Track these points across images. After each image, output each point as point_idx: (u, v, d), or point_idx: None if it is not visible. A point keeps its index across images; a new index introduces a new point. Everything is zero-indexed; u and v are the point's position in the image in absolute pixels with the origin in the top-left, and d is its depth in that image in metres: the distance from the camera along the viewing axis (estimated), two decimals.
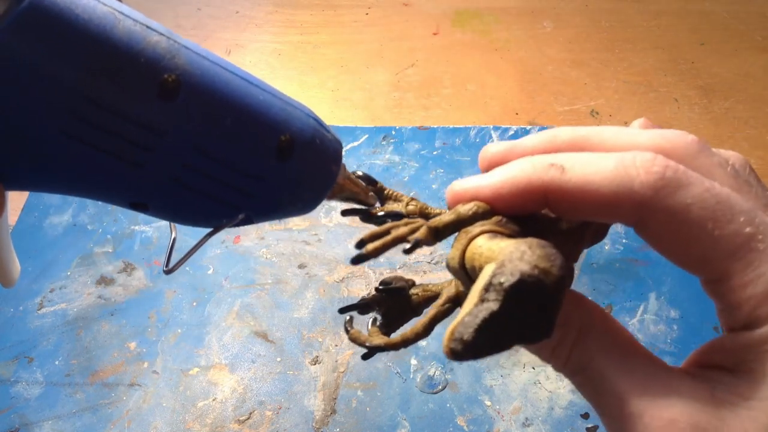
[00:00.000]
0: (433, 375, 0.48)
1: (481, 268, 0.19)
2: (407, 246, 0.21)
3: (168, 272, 0.25)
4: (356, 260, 0.21)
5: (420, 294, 0.25)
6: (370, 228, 0.23)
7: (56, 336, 0.51)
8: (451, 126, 0.67)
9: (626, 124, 0.68)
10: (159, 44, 0.21)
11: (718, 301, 0.19)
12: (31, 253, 0.56)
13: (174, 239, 0.26)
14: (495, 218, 0.21)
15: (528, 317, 0.17)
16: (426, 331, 0.23)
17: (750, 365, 0.18)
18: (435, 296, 0.24)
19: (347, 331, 0.24)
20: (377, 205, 0.28)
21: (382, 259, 0.55)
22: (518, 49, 0.78)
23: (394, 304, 0.25)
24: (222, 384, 0.48)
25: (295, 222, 0.59)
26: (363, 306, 0.25)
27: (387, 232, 0.22)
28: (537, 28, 0.81)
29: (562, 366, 0.21)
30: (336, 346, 0.50)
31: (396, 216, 0.26)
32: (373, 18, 0.84)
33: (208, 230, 0.25)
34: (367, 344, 0.23)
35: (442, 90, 0.73)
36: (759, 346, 0.18)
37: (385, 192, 0.28)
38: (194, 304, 0.53)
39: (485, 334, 0.17)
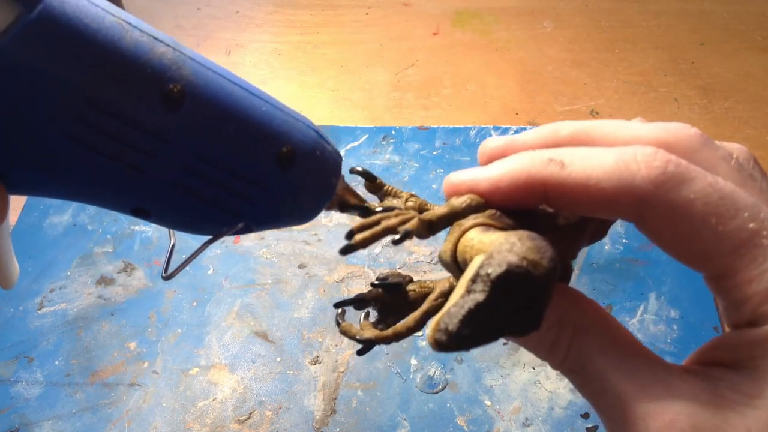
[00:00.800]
0: (433, 375, 0.48)
1: (472, 261, 0.19)
2: (396, 237, 0.21)
3: (167, 278, 0.25)
4: (345, 250, 0.21)
5: (417, 290, 0.24)
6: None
7: (56, 336, 0.51)
8: (451, 126, 0.67)
9: None
10: (165, 55, 0.21)
11: (722, 297, 0.19)
12: (31, 253, 0.56)
13: (173, 245, 0.26)
14: (489, 211, 0.21)
15: (515, 309, 0.17)
16: (418, 325, 0.22)
17: (754, 363, 0.18)
18: (432, 292, 0.24)
19: (338, 324, 0.24)
20: (389, 200, 0.28)
21: (382, 259, 0.55)
22: (518, 49, 0.78)
23: (390, 300, 0.24)
24: (222, 384, 0.48)
25: None
26: (359, 301, 0.24)
27: (377, 222, 0.22)
28: (537, 28, 0.81)
29: (560, 365, 0.21)
30: (336, 346, 0.50)
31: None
32: (373, 18, 0.84)
33: (208, 237, 0.26)
34: (358, 337, 0.23)
35: (442, 90, 0.73)
36: (763, 343, 0.17)
37: (385, 188, 0.28)
38: (194, 304, 0.53)
39: (471, 325, 0.17)
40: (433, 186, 0.61)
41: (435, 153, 0.64)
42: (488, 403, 0.46)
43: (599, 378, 0.19)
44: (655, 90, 0.72)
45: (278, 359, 0.49)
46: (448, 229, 0.22)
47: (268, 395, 0.47)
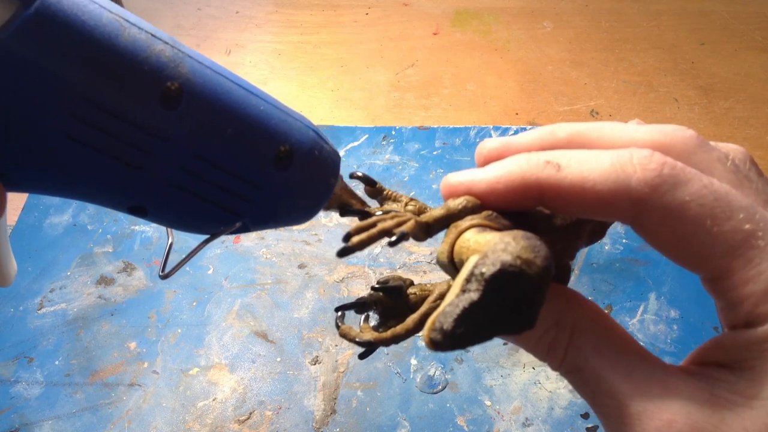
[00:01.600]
0: (433, 375, 0.48)
1: (468, 260, 0.19)
2: (393, 238, 0.21)
3: (164, 277, 0.25)
4: (342, 253, 0.21)
5: (417, 293, 0.25)
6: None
7: (56, 336, 0.51)
8: (451, 126, 0.67)
9: None
10: (163, 53, 0.21)
11: (719, 298, 0.19)
12: (31, 253, 0.56)
13: (171, 244, 0.26)
14: (485, 213, 0.21)
15: (510, 308, 0.17)
16: (416, 327, 0.22)
17: (751, 363, 0.18)
18: (431, 294, 0.24)
19: (338, 327, 0.24)
20: (389, 204, 0.28)
21: (382, 259, 0.55)
22: (518, 49, 0.78)
23: (391, 303, 0.25)
24: (222, 384, 0.48)
25: None
26: (360, 305, 0.25)
27: (373, 225, 0.22)
28: (537, 28, 0.81)
29: (558, 366, 0.21)
30: (336, 346, 0.50)
31: None
32: (373, 18, 0.84)
33: (205, 236, 0.26)
34: (357, 339, 0.23)
35: (442, 90, 0.73)
36: (760, 344, 0.17)
37: (384, 192, 0.28)
38: (194, 304, 0.53)
39: (465, 324, 0.17)
40: (433, 186, 0.61)
41: (435, 153, 0.64)
42: (488, 403, 0.46)
43: (597, 379, 0.19)
44: (655, 90, 0.72)
45: (278, 359, 0.49)
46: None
47: (268, 395, 0.47)
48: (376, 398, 0.47)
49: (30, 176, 0.22)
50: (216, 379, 0.48)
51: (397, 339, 0.22)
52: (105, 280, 0.55)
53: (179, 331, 0.51)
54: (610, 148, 0.19)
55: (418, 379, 0.48)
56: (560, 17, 0.83)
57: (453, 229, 0.21)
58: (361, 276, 0.54)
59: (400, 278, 0.25)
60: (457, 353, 0.49)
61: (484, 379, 0.48)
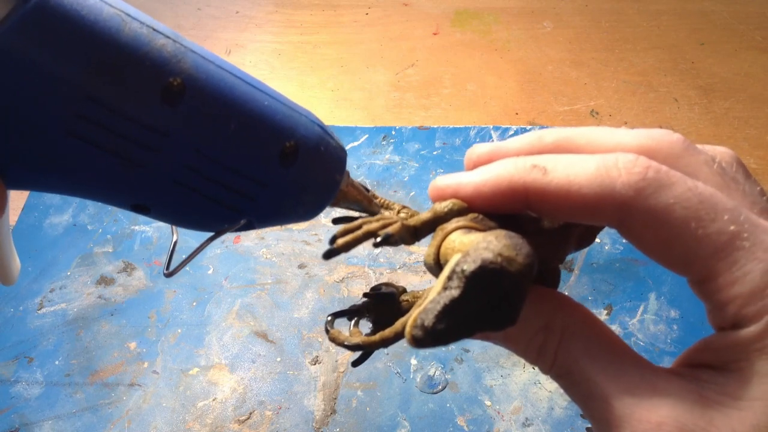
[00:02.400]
0: (433, 375, 0.48)
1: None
2: (378, 239, 0.21)
3: (168, 275, 0.25)
4: (327, 255, 0.21)
5: (410, 300, 0.25)
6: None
7: (56, 336, 0.51)
8: (451, 126, 0.67)
9: (626, 124, 0.68)
10: (165, 47, 0.21)
11: (706, 300, 0.19)
12: (31, 253, 0.56)
13: (175, 242, 0.26)
14: (471, 215, 0.21)
15: (491, 305, 0.17)
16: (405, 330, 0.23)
17: (738, 364, 0.18)
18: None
19: (327, 332, 0.24)
20: (381, 212, 0.28)
21: (382, 259, 0.55)
22: (518, 49, 0.78)
23: (384, 310, 0.25)
24: (222, 384, 0.48)
25: None
26: (353, 312, 0.25)
27: (359, 227, 0.22)
28: (537, 28, 0.81)
29: (549, 369, 0.21)
30: (336, 346, 0.50)
31: None
32: (373, 18, 0.84)
33: (209, 234, 0.25)
34: (346, 343, 0.23)
35: (442, 90, 0.73)
36: (747, 345, 0.17)
37: (377, 200, 0.28)
38: (194, 304, 0.53)
39: (446, 321, 0.17)
40: None
41: (435, 153, 0.64)
42: (488, 403, 0.46)
43: (586, 382, 0.19)
44: (655, 90, 0.72)
45: (278, 359, 0.49)
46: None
47: (268, 395, 0.47)
48: (376, 398, 0.47)
49: (30, 173, 0.21)
50: (216, 379, 0.48)
51: (385, 342, 0.22)
52: (105, 280, 0.55)
53: (179, 331, 0.51)
54: (597, 153, 0.20)
55: (418, 379, 0.48)
56: (560, 17, 0.83)
57: (439, 232, 0.21)
58: (361, 276, 0.54)
59: (392, 285, 0.25)
60: (457, 353, 0.49)
61: (484, 379, 0.48)
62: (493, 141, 0.65)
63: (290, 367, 0.49)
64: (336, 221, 0.28)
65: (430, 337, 0.17)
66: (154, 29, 0.21)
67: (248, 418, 0.46)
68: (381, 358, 0.49)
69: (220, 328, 0.51)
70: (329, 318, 0.25)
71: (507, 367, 0.48)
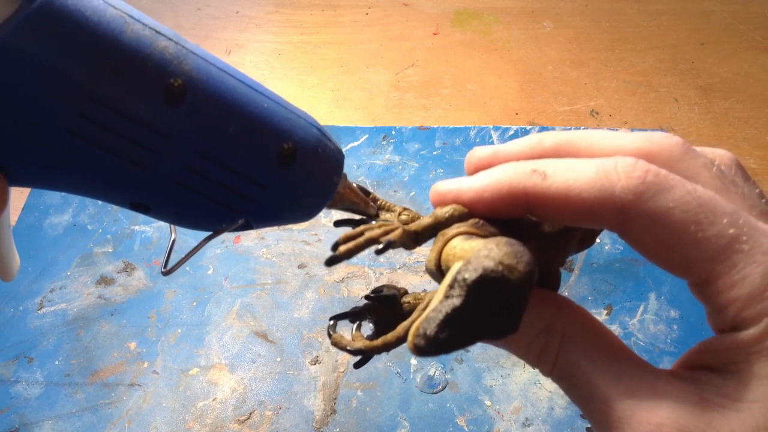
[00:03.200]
0: (433, 375, 0.48)
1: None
2: (380, 246, 0.21)
3: (166, 273, 0.25)
4: (329, 262, 0.21)
5: (411, 302, 0.25)
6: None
7: (56, 336, 0.51)
8: (451, 126, 0.67)
9: (626, 124, 0.68)
10: (167, 49, 0.21)
11: (705, 303, 0.19)
12: (31, 253, 0.56)
13: (173, 241, 0.26)
14: (472, 220, 0.21)
15: (493, 313, 0.18)
16: (407, 334, 0.23)
17: (738, 367, 0.18)
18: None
19: (330, 336, 0.24)
20: (381, 214, 0.28)
21: (382, 259, 0.55)
22: (518, 49, 0.78)
23: (385, 312, 0.25)
24: (222, 384, 0.48)
25: None
26: (354, 314, 0.25)
27: (361, 234, 0.22)
28: (537, 28, 0.81)
29: (549, 372, 0.21)
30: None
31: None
32: (373, 18, 0.84)
33: (208, 233, 0.25)
34: (348, 348, 0.23)
35: (442, 90, 0.73)
36: (746, 347, 0.18)
37: (378, 203, 0.28)
38: (194, 304, 0.53)
39: (448, 329, 0.17)
40: None
41: (435, 153, 0.64)
42: (488, 403, 0.46)
43: (587, 384, 0.19)
44: (655, 90, 0.72)
45: (278, 359, 0.49)
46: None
47: (268, 395, 0.47)
48: (376, 398, 0.47)
49: (32, 171, 0.22)
50: (216, 379, 0.48)
51: (387, 347, 0.22)
52: (105, 280, 0.55)
53: (179, 331, 0.51)
54: (597, 156, 0.20)
55: (418, 379, 0.48)
56: (560, 17, 0.83)
57: (440, 237, 0.21)
58: (361, 276, 0.54)
59: (394, 287, 0.25)
60: (457, 353, 0.49)
61: (484, 379, 0.48)
62: (493, 141, 0.65)
63: (290, 367, 0.49)
64: (338, 224, 0.28)
65: (433, 345, 0.18)
66: (156, 31, 0.21)
67: (248, 418, 0.46)
68: (381, 358, 0.49)
69: (220, 328, 0.51)
70: (331, 322, 0.25)
71: (507, 367, 0.48)
